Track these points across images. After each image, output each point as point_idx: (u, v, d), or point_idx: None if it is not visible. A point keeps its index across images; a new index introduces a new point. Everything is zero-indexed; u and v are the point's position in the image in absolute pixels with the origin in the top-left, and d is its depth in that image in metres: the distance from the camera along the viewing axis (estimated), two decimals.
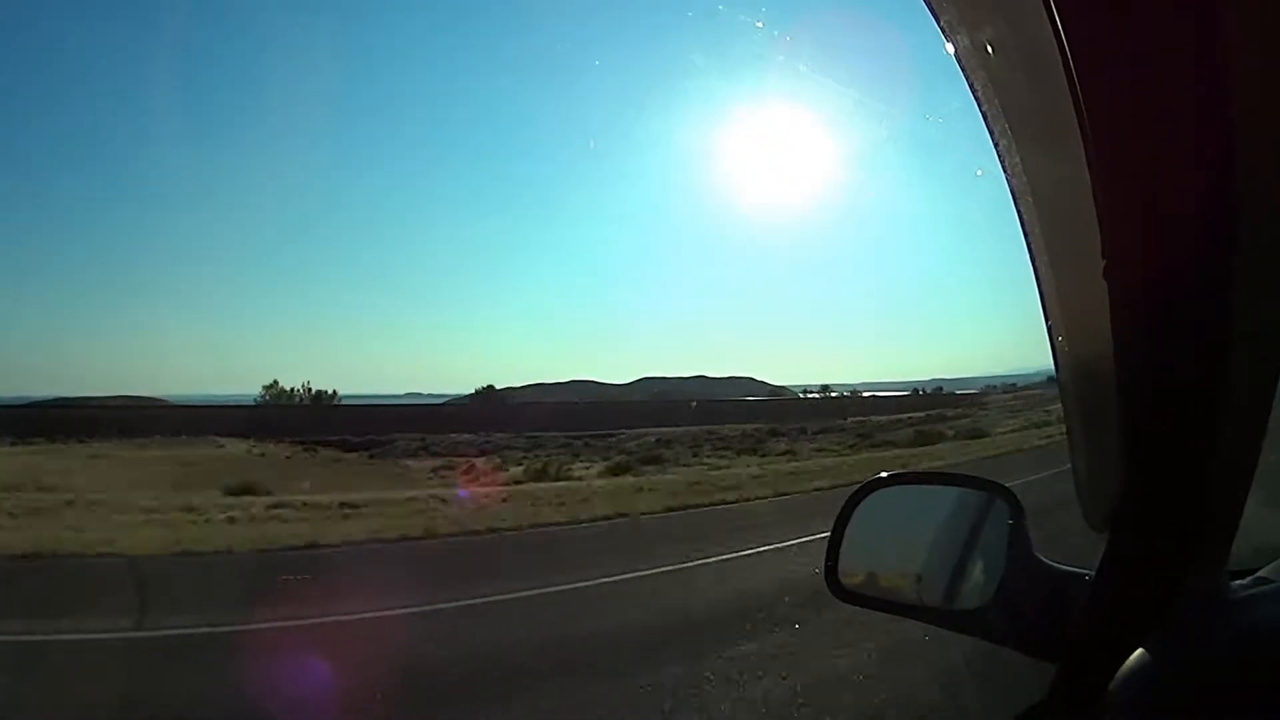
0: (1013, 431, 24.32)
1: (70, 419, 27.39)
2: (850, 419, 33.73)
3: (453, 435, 28.74)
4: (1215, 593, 0.90)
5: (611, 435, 29.39)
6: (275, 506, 10.79)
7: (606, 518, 10.27)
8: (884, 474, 1.26)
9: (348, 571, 7.33)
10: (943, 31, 0.79)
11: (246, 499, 11.66)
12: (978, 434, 24.71)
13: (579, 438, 28.85)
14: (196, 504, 10.73)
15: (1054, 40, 0.64)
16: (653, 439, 27.92)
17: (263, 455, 23.33)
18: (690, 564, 7.26)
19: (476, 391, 41.89)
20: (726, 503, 11.50)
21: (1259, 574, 0.97)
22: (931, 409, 37.54)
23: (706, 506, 11.23)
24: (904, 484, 1.38)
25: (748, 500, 11.75)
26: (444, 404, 42.89)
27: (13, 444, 21.79)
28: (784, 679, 4.25)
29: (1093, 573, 0.93)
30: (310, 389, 36.57)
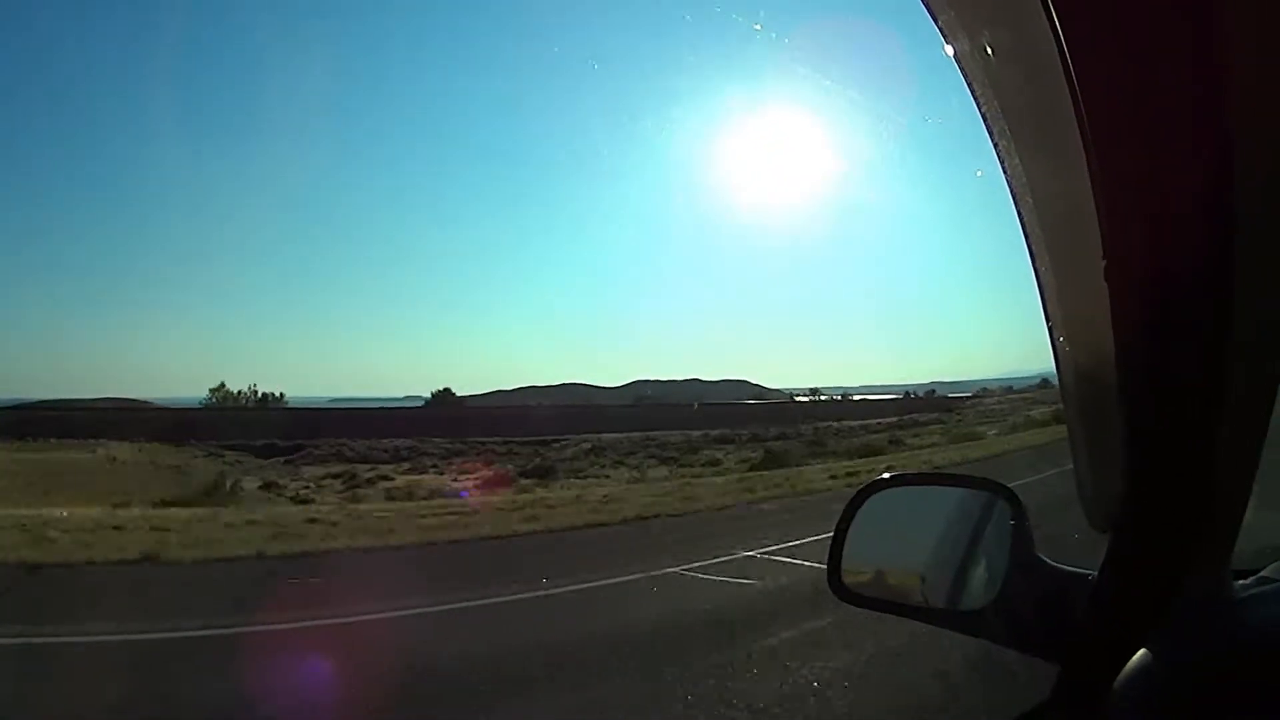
0: (976, 439, 24.16)
1: None
2: (818, 424, 33.22)
3: (387, 440, 28.34)
4: (1217, 593, 0.90)
5: (555, 441, 29.13)
6: None
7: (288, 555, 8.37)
8: (886, 474, 1.26)
9: None
10: (942, 34, 0.79)
11: None
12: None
13: (513, 444, 28.59)
14: None
15: (1053, 42, 0.64)
16: (587, 446, 27.84)
17: (114, 460, 22.06)
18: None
19: (434, 395, 41.07)
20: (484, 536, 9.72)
21: (1261, 574, 0.97)
22: (909, 413, 37.38)
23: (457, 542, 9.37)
24: (906, 485, 1.38)
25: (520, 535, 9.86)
26: (402, 408, 41.87)
27: None
28: None
29: (1095, 573, 0.93)
30: (257, 391, 36.23)
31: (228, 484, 18.90)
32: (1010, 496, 1.09)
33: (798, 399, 47.94)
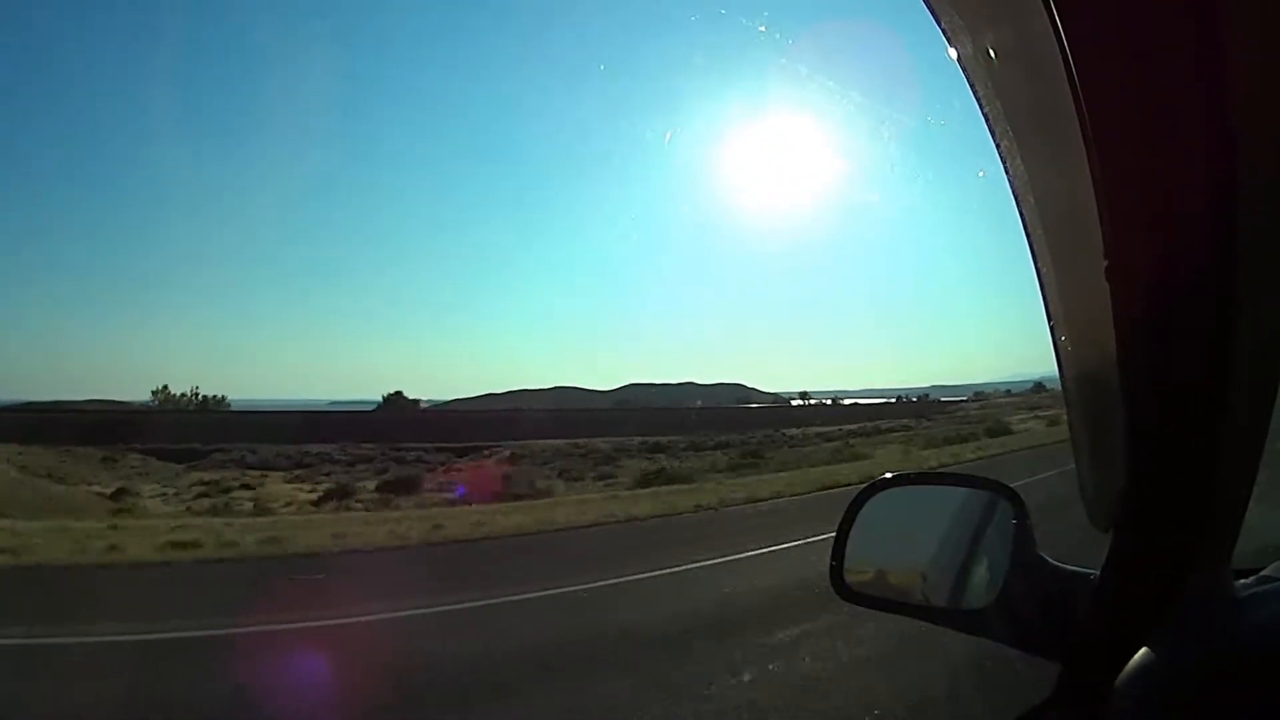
0: (931, 447, 23.81)
1: None
2: (780, 431, 32.94)
3: (313, 445, 27.91)
4: (1219, 591, 0.90)
5: (482, 449, 28.86)
6: None
7: None
8: (889, 474, 1.27)
9: None
10: (945, 36, 0.79)
11: None
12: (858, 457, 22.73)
13: (430, 450, 28.32)
14: None
15: (1055, 43, 0.65)
16: (505, 455, 27.51)
17: None
18: None
19: (385, 399, 40.76)
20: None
21: (1263, 573, 0.97)
22: (882, 419, 37.11)
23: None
24: (909, 484, 1.38)
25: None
26: (353, 412, 41.34)
27: None
28: None
29: (1097, 572, 0.93)
30: (198, 394, 36.49)
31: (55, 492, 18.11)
32: (1012, 496, 1.09)
33: (794, 403, 48.02)
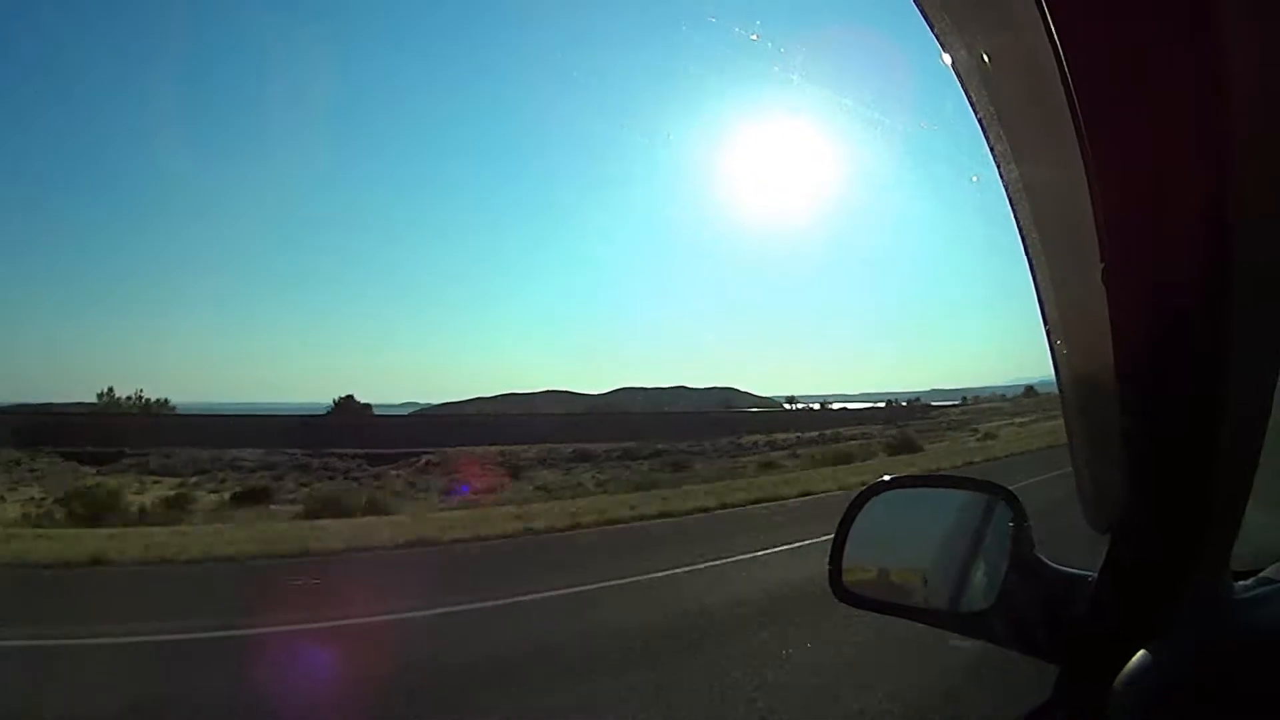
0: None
1: None
2: (740, 439, 32.38)
3: (235, 451, 27.34)
4: (1218, 594, 0.90)
5: (406, 456, 28.23)
6: None
7: None
8: (886, 477, 1.27)
9: None
10: (938, 40, 0.79)
11: None
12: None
13: (348, 457, 27.79)
14: None
15: (1050, 47, 0.65)
16: (422, 463, 27.02)
17: None
18: None
19: (336, 403, 40.08)
20: None
21: (1262, 575, 0.97)
22: (834, 426, 36.70)
23: None
24: (906, 487, 1.39)
25: None
26: (300, 415, 40.07)
27: None
28: None
29: (1095, 574, 0.93)
30: (142, 397, 35.98)
31: None
32: (1010, 498, 1.09)
33: (785, 407, 48.04)
